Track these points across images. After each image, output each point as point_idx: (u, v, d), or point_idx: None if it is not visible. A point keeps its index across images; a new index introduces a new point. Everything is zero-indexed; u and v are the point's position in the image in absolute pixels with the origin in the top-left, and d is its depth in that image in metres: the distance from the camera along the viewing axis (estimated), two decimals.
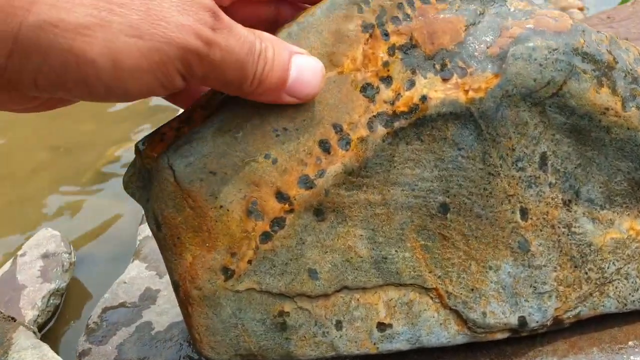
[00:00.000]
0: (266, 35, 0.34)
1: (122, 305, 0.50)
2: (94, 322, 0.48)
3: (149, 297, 0.49)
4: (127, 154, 0.85)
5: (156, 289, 0.51)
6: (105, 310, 0.49)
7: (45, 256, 0.60)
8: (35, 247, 0.61)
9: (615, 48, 0.39)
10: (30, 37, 0.28)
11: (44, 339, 0.54)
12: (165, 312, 0.48)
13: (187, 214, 0.37)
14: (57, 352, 0.49)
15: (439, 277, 0.39)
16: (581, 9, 1.09)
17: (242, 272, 0.37)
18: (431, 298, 0.40)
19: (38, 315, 0.55)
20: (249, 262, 0.37)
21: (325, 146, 0.37)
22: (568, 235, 0.40)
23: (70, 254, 0.62)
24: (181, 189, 0.36)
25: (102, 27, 0.28)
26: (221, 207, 0.37)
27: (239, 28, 0.32)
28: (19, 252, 0.61)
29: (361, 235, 0.38)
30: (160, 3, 0.29)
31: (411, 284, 0.39)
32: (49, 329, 0.57)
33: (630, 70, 0.39)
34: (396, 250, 0.39)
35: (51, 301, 0.57)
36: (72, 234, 0.69)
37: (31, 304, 0.55)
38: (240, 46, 0.32)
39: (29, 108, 0.33)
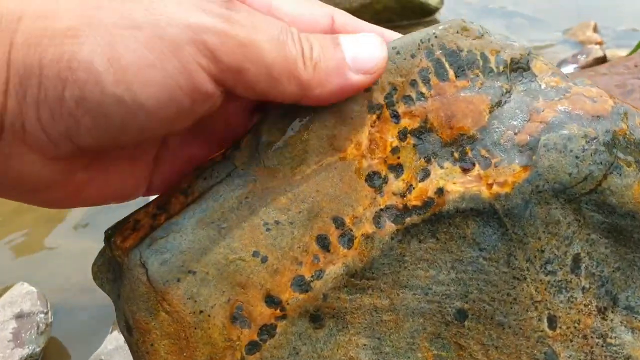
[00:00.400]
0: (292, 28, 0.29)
1: None
2: None
3: None
4: None
5: None
6: None
7: (19, 316, 0.55)
8: (8, 305, 0.56)
9: None
10: (20, 58, 0.24)
11: None
12: None
13: (162, 318, 0.32)
14: None
15: None
16: (600, 44, 1.04)
17: None
18: None
19: None
20: None
21: (323, 243, 0.32)
22: (603, 346, 0.34)
23: (47, 313, 0.57)
24: (155, 291, 0.31)
25: (91, 25, 0.24)
26: (201, 312, 0.32)
27: (260, 15, 0.27)
28: None
29: (365, 345, 0.33)
30: None
31: None
32: None
33: None
34: None
35: None
36: (51, 283, 0.65)
37: None
38: (269, 24, 0.26)
39: (62, 175, 0.28)
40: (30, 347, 0.54)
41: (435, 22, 1.25)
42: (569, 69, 0.95)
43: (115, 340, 0.50)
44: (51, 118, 0.25)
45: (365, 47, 0.30)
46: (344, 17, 0.33)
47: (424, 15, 1.24)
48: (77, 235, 0.73)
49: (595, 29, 1.10)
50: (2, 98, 0.25)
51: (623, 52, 1.04)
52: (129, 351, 0.48)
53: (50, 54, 0.24)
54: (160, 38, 0.24)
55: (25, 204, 0.31)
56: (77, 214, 0.75)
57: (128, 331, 0.33)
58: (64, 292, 0.65)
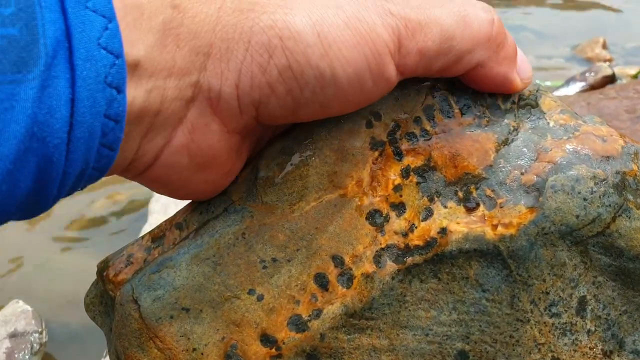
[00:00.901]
0: None
1: None
2: None
3: None
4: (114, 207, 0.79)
5: None
6: None
7: (13, 336, 0.54)
8: (2, 324, 0.55)
9: None
10: (231, 23, 0.25)
11: None
12: None
13: (154, 355, 0.31)
14: None
15: None
16: (609, 61, 1.03)
17: None
18: None
19: None
20: None
21: (322, 282, 0.31)
22: None
23: (41, 332, 0.56)
24: (147, 327, 0.30)
25: (302, 2, 0.26)
26: (194, 350, 0.31)
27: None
28: None
29: None
30: None
31: None
32: None
33: None
34: None
35: None
36: (46, 300, 0.64)
37: None
38: (450, 9, 0.29)
39: (228, 153, 0.29)
40: None
41: None
42: (576, 87, 0.94)
43: None
44: (249, 86, 0.26)
45: (524, 59, 0.32)
46: None
47: None
48: (74, 252, 0.73)
49: (604, 46, 1.09)
50: (204, 59, 0.25)
51: (632, 70, 1.03)
52: None
53: (262, 20, 0.25)
54: (359, 20, 0.26)
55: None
56: (73, 230, 0.74)
57: None
58: (59, 309, 0.65)
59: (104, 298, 0.33)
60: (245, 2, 0.26)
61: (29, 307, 0.57)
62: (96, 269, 0.33)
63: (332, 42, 0.26)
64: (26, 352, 0.54)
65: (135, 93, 0.24)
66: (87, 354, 0.57)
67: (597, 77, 0.95)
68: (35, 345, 0.55)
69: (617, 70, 1.01)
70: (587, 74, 0.97)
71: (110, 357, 0.33)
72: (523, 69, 0.32)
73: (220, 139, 0.28)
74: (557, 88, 0.95)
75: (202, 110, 0.27)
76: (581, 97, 0.66)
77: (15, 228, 0.76)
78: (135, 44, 0.23)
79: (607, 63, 1.04)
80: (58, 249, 0.74)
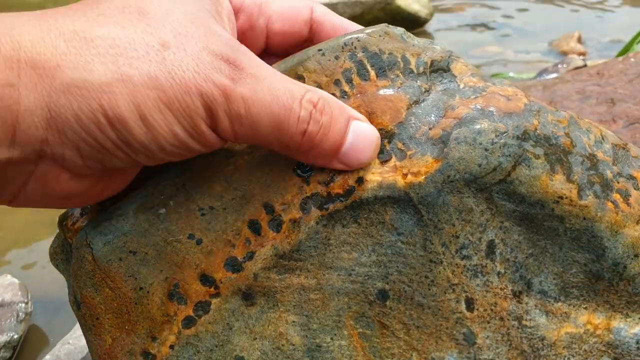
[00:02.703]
0: (323, 94, 0.32)
1: None
2: None
3: None
4: None
5: None
6: None
7: (0, 305, 0.58)
8: None
9: (574, 129, 0.37)
10: (62, 103, 0.28)
11: None
12: None
13: (105, 294, 0.35)
14: None
15: None
16: (582, 54, 1.06)
17: (163, 357, 0.35)
18: None
19: None
20: (171, 347, 0.35)
21: (255, 227, 0.35)
22: (518, 328, 0.37)
23: (27, 303, 0.60)
24: (100, 269, 0.34)
25: (124, 82, 0.28)
26: (141, 288, 0.35)
27: (277, 79, 0.31)
28: None
29: (294, 322, 0.36)
30: (175, 52, 0.29)
31: None
32: None
33: (589, 154, 0.36)
34: (332, 338, 0.36)
35: (1, 354, 0.56)
36: (35, 277, 0.68)
37: None
38: (273, 99, 0.30)
39: (87, 187, 0.32)
40: (9, 334, 0.57)
41: (425, 33, 1.28)
42: (548, 78, 0.97)
43: None
44: (89, 151, 0.29)
45: (362, 146, 0.33)
46: (321, 9, 0.39)
47: (414, 26, 1.27)
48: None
49: (579, 40, 1.13)
50: (43, 132, 0.28)
51: None
52: None
53: (89, 104, 0.28)
54: (178, 101, 0.29)
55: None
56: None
57: (77, 306, 0.36)
58: (48, 288, 0.69)
59: (65, 247, 0.37)
60: (74, 85, 0.28)
61: (16, 280, 0.61)
62: (57, 220, 0.37)
63: (152, 121, 0.29)
64: (12, 320, 0.58)
65: None
66: (71, 325, 0.61)
67: (568, 69, 0.98)
68: (20, 314, 0.59)
69: (591, 63, 1.04)
70: (559, 66, 1.00)
71: (69, 299, 0.37)
72: (351, 156, 0.33)
73: (74, 183, 0.31)
74: (531, 79, 0.99)
75: (50, 166, 0.30)
76: (540, 82, 0.70)
77: (5, 213, 0.80)
78: None
79: (581, 56, 1.07)
80: (48, 232, 0.78)
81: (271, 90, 0.30)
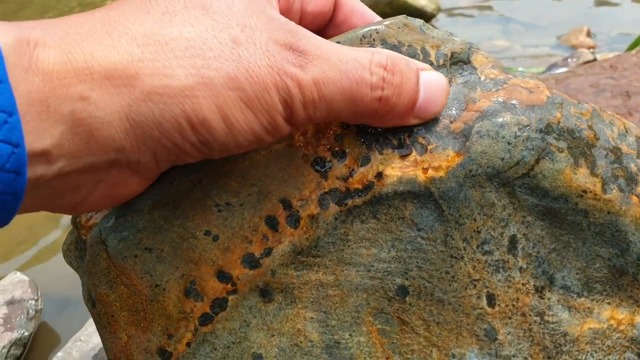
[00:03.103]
0: (389, 52, 0.32)
1: None
2: None
3: (102, 359, 0.47)
4: None
5: None
6: None
7: (10, 303, 0.58)
8: (0, 293, 0.59)
9: (597, 122, 0.36)
10: (142, 112, 0.27)
11: None
12: None
13: (121, 291, 0.34)
14: None
15: None
16: (592, 48, 1.05)
17: (180, 355, 0.35)
18: None
19: None
20: (188, 344, 0.35)
21: (272, 223, 0.34)
22: (540, 324, 0.36)
23: (37, 300, 0.60)
24: (115, 266, 0.34)
25: (205, 85, 0.28)
26: (157, 286, 0.34)
27: (340, 52, 0.30)
28: None
29: (312, 318, 0.35)
30: (247, 48, 0.29)
31: None
32: None
33: (613, 147, 0.35)
34: (350, 335, 0.36)
35: (12, 351, 0.55)
36: (44, 275, 0.67)
37: None
38: (342, 75, 0.30)
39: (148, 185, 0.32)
40: (19, 332, 0.56)
41: None
42: (558, 72, 0.97)
43: None
44: (166, 154, 0.29)
45: (435, 96, 0.33)
46: None
47: None
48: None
49: (588, 34, 1.12)
50: (121, 142, 0.28)
51: None
52: None
53: (172, 110, 0.28)
54: (258, 99, 0.29)
55: None
56: None
57: (91, 303, 0.35)
58: (57, 284, 0.68)
59: (79, 244, 0.37)
60: (155, 93, 0.27)
61: (25, 277, 0.61)
62: (71, 218, 0.36)
63: (234, 121, 0.29)
64: (22, 317, 0.57)
65: (45, 172, 0.26)
66: (81, 323, 0.60)
67: (578, 63, 0.97)
68: (31, 311, 0.58)
69: (600, 56, 1.03)
70: (569, 60, 0.99)
71: (83, 297, 0.36)
72: (426, 109, 0.33)
73: (140, 185, 0.32)
74: (540, 74, 0.98)
75: (122, 173, 0.30)
76: (552, 76, 0.69)
77: None
78: (42, 134, 0.26)
79: (591, 50, 1.06)
80: (57, 230, 0.77)
81: (339, 65, 0.30)
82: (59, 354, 0.49)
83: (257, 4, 0.30)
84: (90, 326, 0.52)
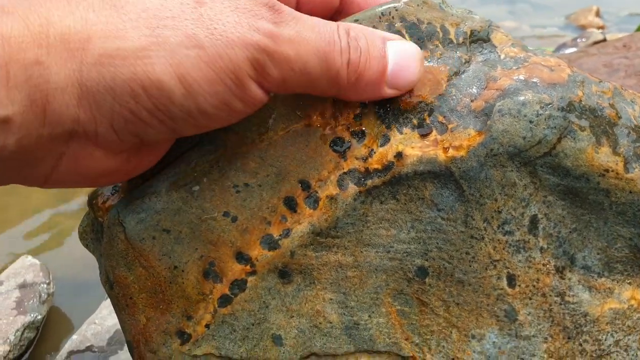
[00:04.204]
0: (352, 24, 0.31)
1: (89, 349, 0.48)
2: None
3: (117, 342, 0.47)
4: None
5: None
6: (70, 354, 0.47)
7: (22, 286, 0.58)
8: (12, 276, 0.59)
9: (619, 100, 0.35)
10: (93, 77, 0.26)
11: None
12: None
13: (139, 273, 0.34)
14: None
15: (417, 344, 0.36)
16: (602, 28, 1.04)
17: (199, 337, 0.35)
18: None
19: (9, 351, 0.53)
20: (207, 326, 0.34)
21: (290, 204, 0.34)
22: (561, 304, 0.36)
23: (49, 283, 0.60)
24: (132, 247, 0.34)
25: (159, 45, 0.27)
26: (175, 267, 0.34)
27: (312, 19, 0.30)
28: None
29: (331, 299, 0.35)
30: (212, 6, 0.28)
31: (386, 352, 0.36)
32: None
33: (635, 126, 0.35)
34: (369, 316, 0.35)
35: (25, 334, 0.55)
36: (56, 259, 0.67)
37: (3, 338, 0.53)
38: (317, 36, 0.29)
39: (121, 163, 0.31)
40: (32, 315, 0.56)
41: None
42: (568, 52, 0.96)
43: (109, 305, 0.52)
44: (124, 124, 0.28)
45: (407, 63, 0.32)
46: None
47: None
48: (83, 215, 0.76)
49: (597, 14, 1.10)
50: (75, 110, 0.27)
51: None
52: None
53: (123, 73, 0.26)
54: (221, 57, 0.27)
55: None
56: (83, 195, 0.78)
57: (109, 285, 0.35)
58: (68, 268, 0.68)
59: (95, 226, 0.36)
60: (106, 55, 0.26)
61: (37, 261, 0.61)
62: (87, 199, 0.36)
63: (192, 82, 0.27)
64: (35, 300, 0.57)
65: (7, 142, 0.26)
66: (92, 306, 0.60)
67: (588, 43, 0.96)
68: (43, 294, 0.58)
69: (610, 36, 1.02)
70: (578, 40, 0.98)
71: (101, 279, 0.36)
72: (399, 76, 0.32)
73: (107, 160, 0.30)
74: (550, 54, 0.97)
75: (83, 144, 0.29)
76: (563, 56, 0.68)
77: (26, 195, 0.80)
78: (3, 101, 0.25)
79: (600, 30, 1.05)
80: (67, 214, 0.77)
81: (313, 27, 0.29)
82: (74, 336, 0.49)
83: None
84: (104, 309, 0.52)
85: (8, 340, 0.53)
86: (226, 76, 0.28)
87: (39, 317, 0.57)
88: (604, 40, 0.99)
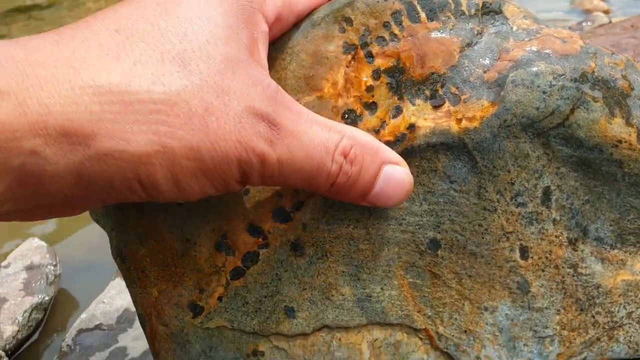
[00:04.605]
0: (360, 138, 0.31)
1: (98, 327, 0.48)
2: (67, 345, 0.45)
3: (126, 320, 0.47)
4: None
5: (134, 311, 0.48)
6: (80, 332, 0.47)
7: (29, 268, 0.58)
8: (20, 258, 0.59)
9: (631, 72, 0.35)
10: (94, 170, 0.26)
11: (21, 357, 0.52)
12: (142, 337, 0.46)
13: (151, 247, 0.34)
14: None
15: (429, 317, 0.36)
16: (607, 12, 1.03)
17: (212, 309, 0.35)
18: (420, 339, 0.36)
19: (18, 331, 0.53)
20: (219, 298, 0.34)
21: None
22: (573, 276, 0.36)
23: (56, 265, 0.60)
24: (144, 221, 0.33)
25: (165, 154, 0.27)
26: (188, 240, 0.34)
27: (312, 131, 0.30)
28: (2, 263, 0.59)
29: (343, 272, 0.35)
30: (218, 117, 0.27)
31: (398, 324, 0.36)
32: (30, 345, 0.56)
33: None
34: (382, 288, 0.35)
35: (33, 315, 0.55)
36: (62, 242, 0.67)
37: (11, 319, 0.53)
38: (307, 158, 0.29)
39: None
40: (40, 296, 0.57)
41: None
42: None
43: (117, 286, 0.52)
44: (113, 201, 0.29)
45: (392, 192, 0.32)
46: None
47: None
48: None
49: None
50: (69, 191, 0.27)
51: None
52: (128, 297, 0.51)
53: (124, 173, 0.27)
54: (216, 169, 0.28)
55: None
56: None
57: (121, 259, 0.35)
58: (74, 251, 0.68)
59: None
60: (110, 156, 0.26)
61: (43, 243, 0.61)
62: None
63: (185, 185, 0.28)
64: (42, 282, 0.57)
65: None
66: (99, 288, 0.60)
67: (593, 27, 0.96)
68: (50, 276, 0.58)
69: (615, 20, 1.02)
70: (583, 24, 0.98)
71: (112, 253, 0.36)
72: (380, 200, 0.32)
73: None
74: None
75: (71, 204, 0.29)
76: None
77: None
78: None
79: (605, 14, 1.04)
80: None
81: (307, 148, 0.29)
82: (83, 315, 0.49)
83: (241, 59, 0.29)
84: (112, 289, 0.52)
85: (16, 321, 0.54)
86: (217, 182, 0.29)
87: (47, 298, 0.57)
88: (609, 23, 0.98)
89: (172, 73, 0.27)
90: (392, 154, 0.32)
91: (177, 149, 0.27)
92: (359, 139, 0.31)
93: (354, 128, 0.31)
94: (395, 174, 0.32)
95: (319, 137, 0.30)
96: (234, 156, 0.28)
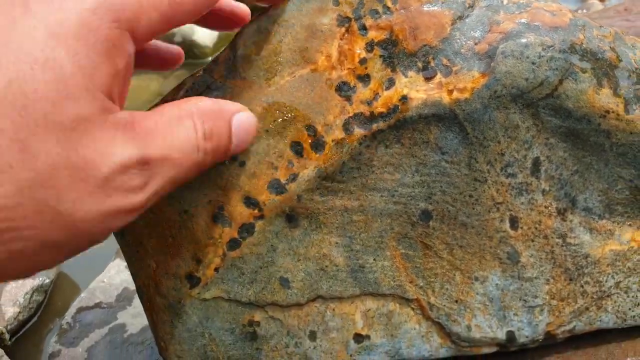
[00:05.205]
0: (204, 107, 0.29)
1: (98, 305, 0.48)
2: (67, 323, 0.46)
3: (125, 298, 0.48)
4: None
5: (133, 289, 0.49)
6: (80, 310, 0.48)
7: None
8: None
9: (619, 45, 0.36)
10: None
11: (22, 338, 0.53)
12: (141, 314, 0.47)
13: (149, 219, 0.35)
14: (34, 352, 0.48)
15: (421, 287, 0.37)
16: (602, 0, 1.04)
17: (208, 280, 0.35)
18: (412, 309, 0.37)
19: (19, 312, 0.54)
20: (216, 269, 0.35)
21: (297, 149, 0.34)
22: (562, 246, 0.37)
23: None
24: None
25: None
26: (185, 211, 0.34)
27: (175, 135, 0.28)
28: None
29: (337, 243, 0.36)
30: (75, 201, 0.25)
31: (391, 294, 0.37)
32: (30, 327, 0.56)
33: (636, 69, 0.35)
34: (374, 259, 0.36)
35: (34, 297, 0.56)
36: None
37: (12, 301, 0.54)
38: (181, 167, 0.29)
39: None
40: (40, 279, 0.57)
41: None
42: None
43: (117, 266, 0.53)
44: None
45: (246, 137, 0.32)
46: None
47: None
48: None
49: None
50: None
51: None
52: (129, 275, 0.52)
53: None
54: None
55: None
56: None
57: (120, 234, 0.36)
58: None
59: None
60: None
61: None
62: None
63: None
64: None
65: None
66: (99, 270, 0.61)
67: (589, 14, 0.96)
68: None
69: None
70: (579, 12, 0.98)
71: None
72: (235, 152, 0.32)
73: None
74: None
75: None
76: None
77: None
78: None
79: (600, 2, 1.05)
80: None
81: (179, 161, 0.29)
82: (83, 294, 0.50)
83: (93, 120, 0.25)
84: (111, 269, 0.53)
85: (18, 303, 0.54)
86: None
87: (47, 280, 0.58)
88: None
89: (12, 165, 0.23)
90: (231, 105, 0.31)
91: (40, 222, 0.24)
92: (206, 107, 0.30)
93: (193, 98, 0.30)
94: (243, 120, 0.31)
95: (183, 135, 0.28)
96: (99, 231, 0.27)
